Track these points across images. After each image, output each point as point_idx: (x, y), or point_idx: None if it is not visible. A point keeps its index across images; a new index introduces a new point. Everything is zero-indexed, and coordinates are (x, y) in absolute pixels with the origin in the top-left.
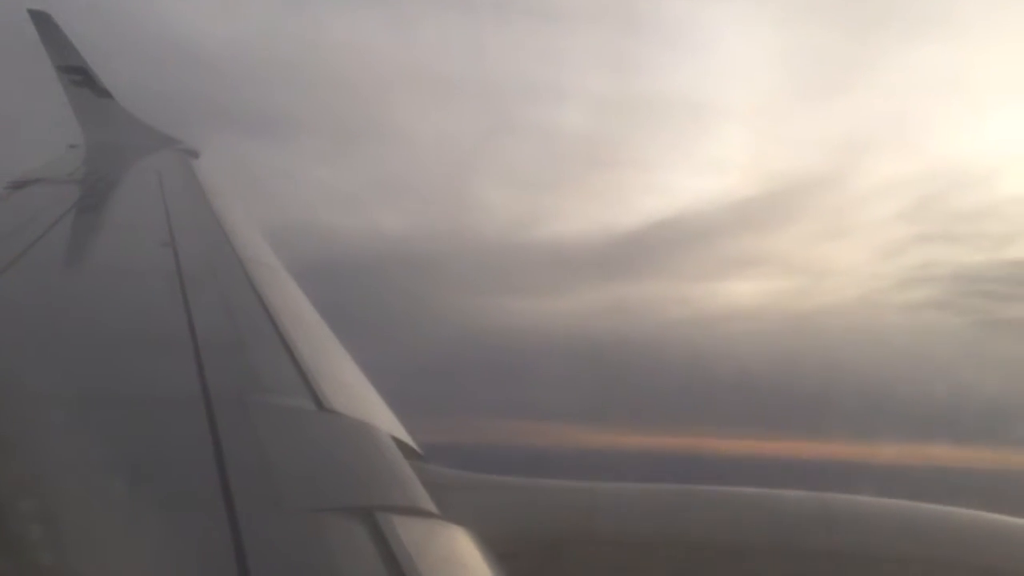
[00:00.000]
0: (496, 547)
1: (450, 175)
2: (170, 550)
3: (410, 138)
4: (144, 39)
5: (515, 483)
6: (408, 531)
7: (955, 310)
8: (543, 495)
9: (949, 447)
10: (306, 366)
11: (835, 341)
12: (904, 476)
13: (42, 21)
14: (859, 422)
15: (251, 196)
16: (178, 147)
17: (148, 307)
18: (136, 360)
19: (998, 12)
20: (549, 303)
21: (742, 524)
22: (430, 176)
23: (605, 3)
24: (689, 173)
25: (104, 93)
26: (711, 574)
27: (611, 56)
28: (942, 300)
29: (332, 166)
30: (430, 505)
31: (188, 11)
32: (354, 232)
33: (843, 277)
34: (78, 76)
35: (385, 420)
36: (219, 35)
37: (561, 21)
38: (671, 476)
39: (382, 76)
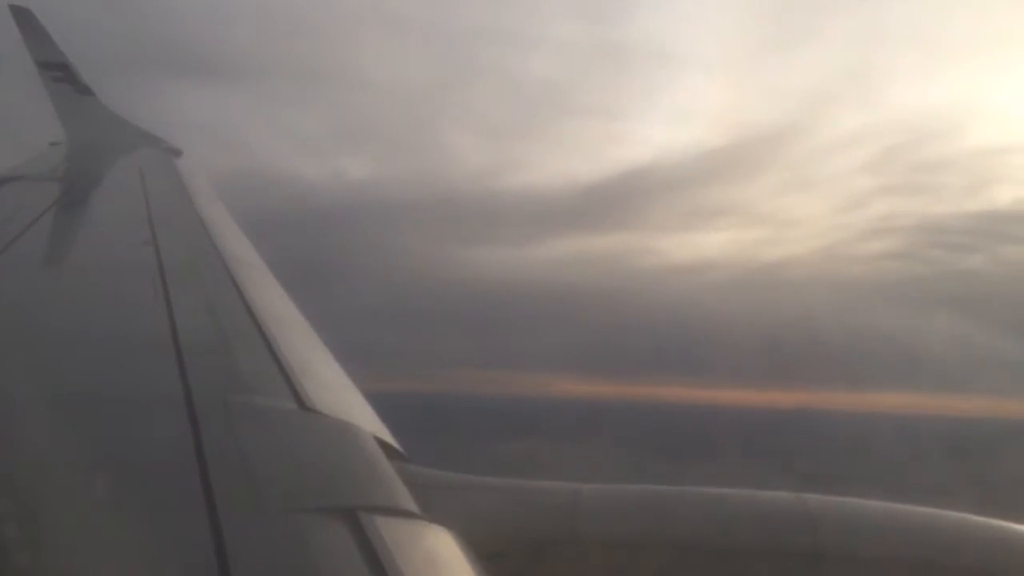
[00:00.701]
0: (479, 548)
1: (416, 121)
2: (151, 552)
3: (375, 83)
4: None
5: (498, 483)
6: (391, 532)
7: (917, 261)
8: (527, 495)
9: (910, 395)
10: (288, 365)
11: (800, 291)
12: (866, 423)
13: (23, 17)
14: (823, 370)
15: (213, 144)
16: (160, 145)
17: (129, 306)
18: (117, 360)
19: None
20: (517, 253)
21: (726, 525)
22: (396, 122)
23: None
24: (658, 123)
25: (85, 90)
26: (694, 573)
27: (580, 2)
28: (904, 251)
29: (295, 111)
30: (413, 506)
31: None
32: (319, 179)
33: (808, 228)
34: (59, 72)
35: (368, 420)
36: None
37: None
38: (639, 423)
39: (346, 18)
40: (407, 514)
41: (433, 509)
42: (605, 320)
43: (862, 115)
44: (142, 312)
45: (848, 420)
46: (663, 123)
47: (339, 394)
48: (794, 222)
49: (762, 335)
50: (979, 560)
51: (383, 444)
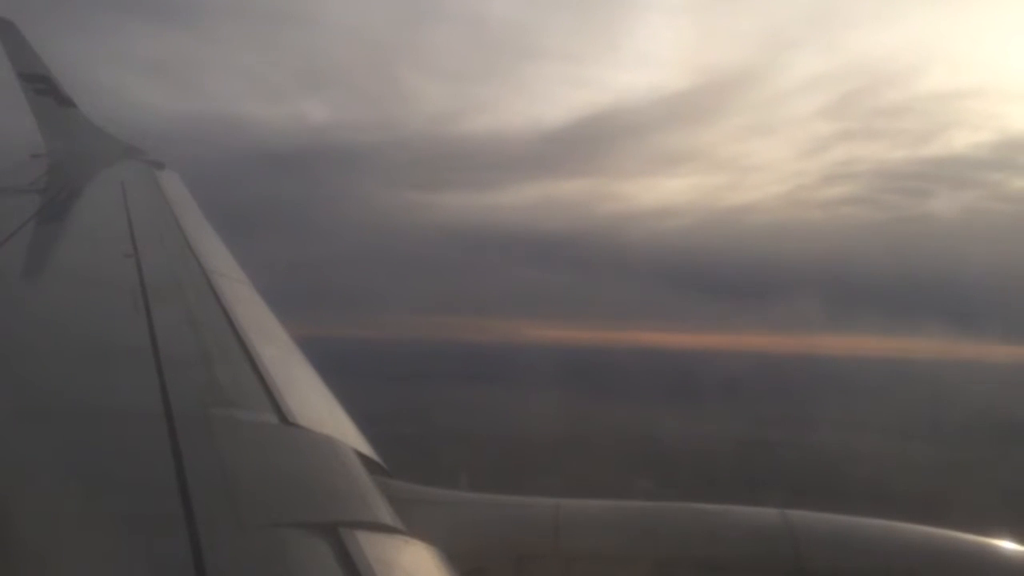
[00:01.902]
0: (460, 563)
1: (377, 65)
2: (131, 567)
3: (334, 26)
4: None
5: (480, 499)
6: (372, 547)
7: (875, 206)
8: (508, 511)
9: (868, 338)
10: (270, 380)
11: (762, 237)
12: (826, 366)
13: (5, 28)
14: (783, 315)
15: (171, 86)
16: (142, 158)
17: (110, 319)
18: (97, 373)
19: None
20: (479, 198)
21: (707, 540)
22: (356, 66)
23: None
24: (619, 66)
25: (67, 102)
26: None
27: None
28: (863, 196)
29: (254, 54)
30: (394, 521)
31: None
32: (279, 122)
33: (769, 173)
34: (41, 84)
35: (350, 435)
36: None
37: None
38: (599, 369)
39: None
40: (388, 529)
41: (415, 524)
42: (569, 266)
43: (820, 59)
44: (123, 325)
45: (810, 363)
46: (624, 67)
47: (321, 408)
48: (755, 167)
49: (724, 280)
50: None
51: (365, 459)
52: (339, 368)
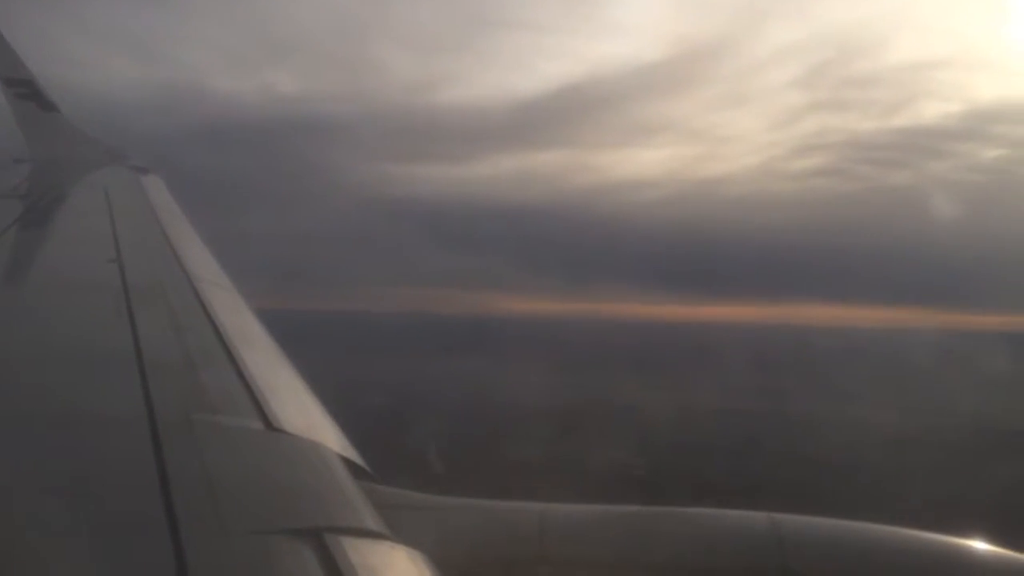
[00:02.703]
0: (447, 569)
1: (347, 35)
2: (114, 572)
3: None
4: None
5: (466, 504)
6: (357, 553)
7: (846, 177)
8: (494, 516)
9: (841, 307)
10: (255, 385)
11: (736, 208)
12: (800, 335)
13: None
14: (758, 285)
15: (139, 56)
16: (127, 163)
17: (93, 324)
18: (80, 379)
19: None
20: (453, 170)
21: (694, 545)
22: (326, 36)
23: None
24: (592, 37)
25: (50, 106)
26: None
27: None
28: (834, 167)
29: (222, 23)
30: (380, 526)
31: None
32: (247, 93)
33: (742, 144)
34: (24, 89)
35: (335, 440)
36: None
37: None
38: (574, 340)
39: None
40: (374, 535)
41: (401, 530)
42: (544, 237)
43: (792, 30)
44: (106, 331)
45: (783, 332)
46: (598, 37)
47: (306, 414)
48: (728, 139)
49: (697, 251)
50: None
51: (351, 464)
52: (315, 341)
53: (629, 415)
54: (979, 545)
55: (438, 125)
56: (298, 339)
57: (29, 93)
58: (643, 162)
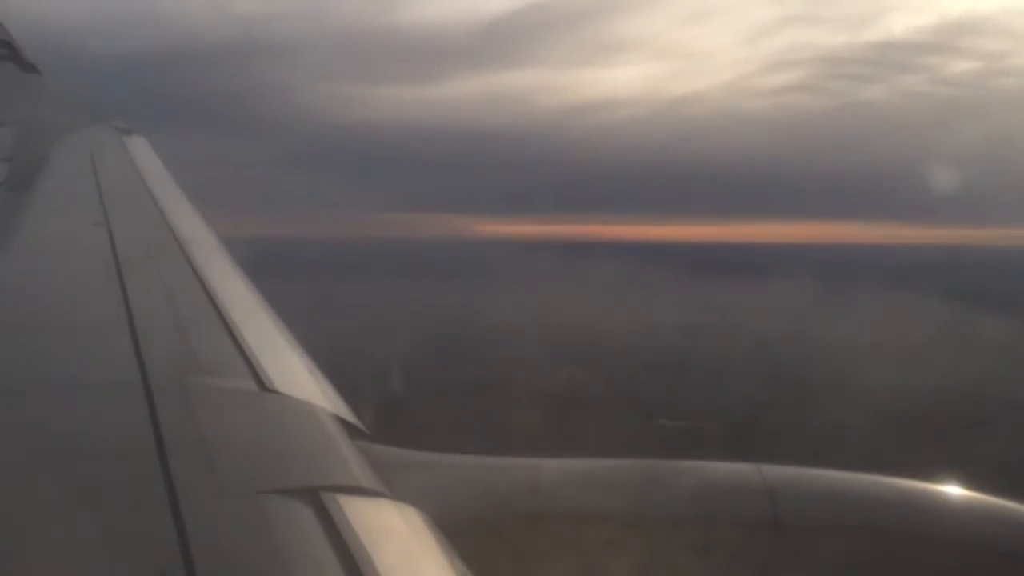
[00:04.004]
0: (443, 525)
1: None
2: (111, 536)
3: None
4: None
5: (461, 460)
6: (354, 511)
7: (819, 93)
8: (489, 472)
9: (815, 224)
10: (248, 347)
11: (707, 127)
12: (772, 253)
13: None
14: (730, 203)
15: None
16: (109, 123)
17: (82, 289)
18: (71, 344)
19: None
20: (418, 92)
21: (684, 496)
22: None
23: None
24: None
25: (30, 68)
26: (655, 545)
27: None
28: (806, 83)
29: None
30: (376, 484)
31: None
32: (202, 14)
33: (712, 61)
34: (3, 50)
35: (329, 400)
36: None
37: None
38: (548, 261)
39: None
40: (371, 493)
41: (397, 487)
42: (512, 160)
43: None
44: (96, 295)
45: (760, 250)
46: None
47: (299, 374)
48: (698, 55)
49: (670, 171)
50: (937, 528)
51: (345, 423)
52: (283, 269)
53: (588, 333)
54: (969, 493)
55: (401, 45)
56: (264, 268)
57: (8, 55)
58: (613, 81)
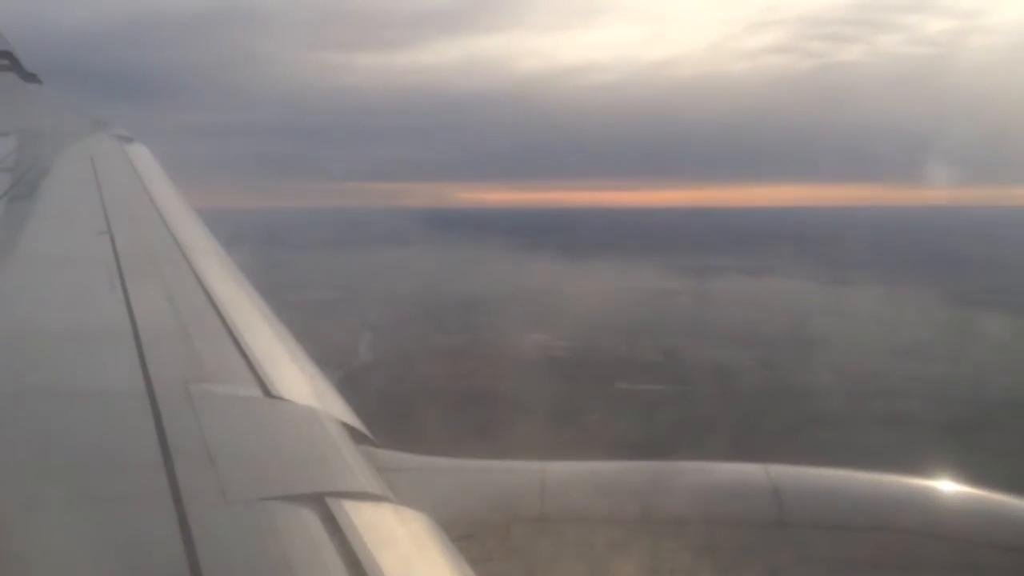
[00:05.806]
0: (449, 529)
1: None
2: (118, 542)
3: None
4: None
5: (466, 465)
6: (360, 516)
7: (800, 54)
8: (494, 476)
9: (797, 186)
10: (252, 353)
11: (687, 90)
12: (755, 216)
13: None
14: (713, 167)
15: None
16: (111, 131)
17: (87, 297)
18: (77, 351)
19: None
20: (394, 58)
21: (691, 496)
22: None
23: None
24: None
25: (32, 78)
26: (661, 547)
27: None
28: (787, 45)
29: None
30: (381, 489)
31: None
32: None
33: (692, 23)
34: (4, 61)
35: (334, 405)
36: None
37: None
38: (531, 227)
39: None
40: (376, 498)
41: (402, 492)
42: (492, 126)
43: None
44: (101, 303)
45: (739, 214)
46: None
47: (304, 380)
48: (677, 17)
49: (651, 135)
50: (941, 525)
51: (351, 429)
52: (262, 239)
53: (565, 299)
54: (971, 490)
55: (375, 10)
56: (242, 238)
57: (9, 65)
58: (590, 44)
